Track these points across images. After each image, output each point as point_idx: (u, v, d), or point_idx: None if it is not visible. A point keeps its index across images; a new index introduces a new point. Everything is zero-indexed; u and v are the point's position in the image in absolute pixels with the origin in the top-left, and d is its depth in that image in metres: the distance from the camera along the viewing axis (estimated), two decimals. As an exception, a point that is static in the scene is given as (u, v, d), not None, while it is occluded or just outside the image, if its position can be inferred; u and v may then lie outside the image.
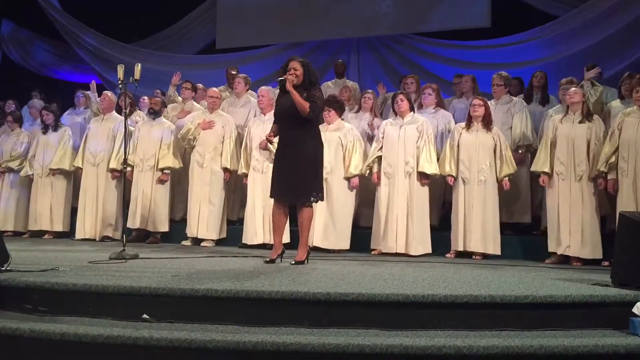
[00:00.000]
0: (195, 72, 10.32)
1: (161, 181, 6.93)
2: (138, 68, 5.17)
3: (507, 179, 5.87)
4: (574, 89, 5.76)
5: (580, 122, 5.61)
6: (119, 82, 5.27)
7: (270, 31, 10.50)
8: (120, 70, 5.25)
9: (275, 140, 5.08)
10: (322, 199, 5.01)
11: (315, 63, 8.41)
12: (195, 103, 7.67)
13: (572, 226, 5.54)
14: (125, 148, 5.51)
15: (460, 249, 5.88)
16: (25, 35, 11.67)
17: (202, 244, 6.63)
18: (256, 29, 10.55)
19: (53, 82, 11.39)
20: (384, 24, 10.00)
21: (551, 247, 5.67)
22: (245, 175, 6.48)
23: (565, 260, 5.60)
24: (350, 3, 10.11)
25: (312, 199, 4.89)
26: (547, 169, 5.68)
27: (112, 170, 7.13)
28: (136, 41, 11.17)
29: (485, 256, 5.81)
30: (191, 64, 10.92)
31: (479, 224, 5.81)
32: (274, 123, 5.12)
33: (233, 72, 8.01)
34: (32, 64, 11.67)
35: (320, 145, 4.99)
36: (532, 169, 5.86)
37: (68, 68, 11.88)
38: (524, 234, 6.40)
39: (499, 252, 5.83)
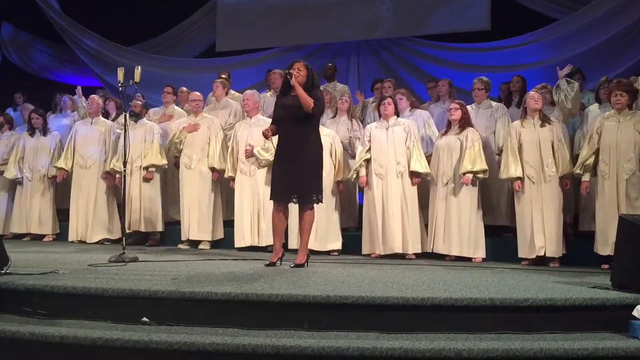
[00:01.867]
0: (195, 75, 10.35)
1: (147, 179, 6.92)
2: (138, 71, 5.17)
3: (468, 176, 5.81)
4: (537, 94, 5.80)
5: (542, 125, 5.68)
6: (119, 84, 5.26)
7: (271, 34, 10.50)
8: (120, 73, 5.25)
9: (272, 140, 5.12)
10: (321, 201, 5.02)
11: (315, 66, 8.38)
12: (176, 107, 7.70)
13: (546, 228, 5.57)
14: (125, 151, 5.50)
15: (429, 250, 5.97)
16: (25, 38, 11.66)
17: (200, 246, 6.63)
18: (256, 32, 10.56)
19: (53, 85, 11.37)
20: (384, 27, 10.01)
21: (522, 252, 5.66)
22: (232, 179, 6.51)
23: (539, 261, 5.61)
24: (350, 6, 10.11)
25: (313, 200, 4.89)
26: (520, 174, 5.69)
27: (107, 174, 7.12)
28: (136, 44, 11.18)
29: (483, 259, 5.84)
30: (190, 67, 10.94)
31: (442, 226, 5.90)
32: (271, 124, 5.13)
33: (223, 76, 8.04)
34: (31, 67, 11.67)
35: (320, 148, 5.01)
36: (504, 176, 5.78)
37: (68, 71, 11.89)
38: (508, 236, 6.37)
39: (465, 254, 5.83)
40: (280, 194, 4.91)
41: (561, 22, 8.81)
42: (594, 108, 6.21)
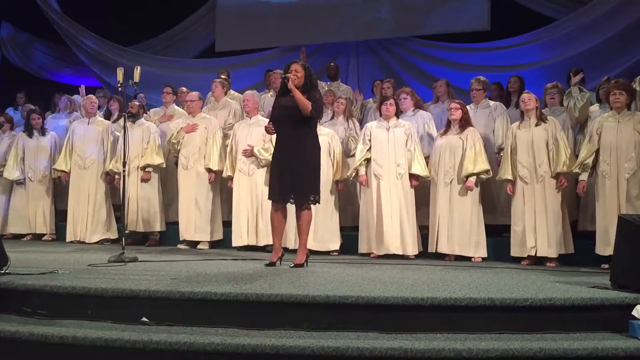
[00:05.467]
0: (194, 75, 10.34)
1: (144, 180, 6.92)
2: (137, 71, 5.18)
3: (471, 178, 5.84)
4: (527, 95, 5.83)
5: (537, 125, 5.70)
6: (119, 85, 5.26)
7: (270, 34, 10.50)
8: (120, 73, 5.24)
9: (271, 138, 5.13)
10: (319, 202, 5.02)
11: (315, 66, 8.39)
12: (176, 107, 7.70)
13: (537, 227, 5.60)
14: (124, 151, 5.50)
15: (432, 250, 5.97)
16: (25, 38, 11.67)
17: (198, 246, 6.63)
18: (256, 32, 10.56)
19: (52, 85, 11.37)
20: (383, 27, 10.00)
21: (515, 252, 5.71)
22: (231, 178, 6.52)
23: (538, 261, 5.63)
24: (349, 7, 10.11)
25: (310, 200, 4.89)
26: (509, 176, 5.75)
27: (107, 174, 7.13)
28: (135, 44, 11.17)
29: (483, 259, 5.85)
30: (190, 67, 10.93)
31: (445, 226, 5.90)
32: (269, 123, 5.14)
33: (222, 76, 8.04)
34: (31, 67, 11.67)
35: (318, 148, 5.00)
36: (497, 177, 5.90)
37: (67, 71, 11.89)
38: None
39: (466, 253, 5.84)
40: (279, 194, 4.91)
41: (560, 22, 8.82)
42: (594, 108, 6.23)
